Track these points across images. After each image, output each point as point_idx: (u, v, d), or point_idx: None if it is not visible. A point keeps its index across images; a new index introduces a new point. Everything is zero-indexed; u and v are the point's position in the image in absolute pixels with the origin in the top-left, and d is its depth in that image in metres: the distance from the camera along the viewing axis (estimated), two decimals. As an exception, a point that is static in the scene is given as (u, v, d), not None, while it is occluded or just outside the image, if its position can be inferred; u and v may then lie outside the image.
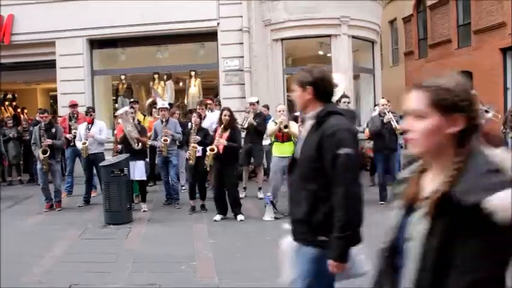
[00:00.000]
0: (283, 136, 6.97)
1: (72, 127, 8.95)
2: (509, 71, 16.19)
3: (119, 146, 7.91)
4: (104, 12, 11.27)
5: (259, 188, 8.48)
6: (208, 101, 9.70)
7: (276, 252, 5.20)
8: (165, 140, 7.80)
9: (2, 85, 14.05)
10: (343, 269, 2.28)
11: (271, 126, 7.13)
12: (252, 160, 8.89)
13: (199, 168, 7.18)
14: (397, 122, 7.53)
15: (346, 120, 2.44)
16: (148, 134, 8.58)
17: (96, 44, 12.09)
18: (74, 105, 9.42)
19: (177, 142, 8.13)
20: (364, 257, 2.37)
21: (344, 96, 7.93)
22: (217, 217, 6.83)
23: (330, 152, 2.29)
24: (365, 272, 2.33)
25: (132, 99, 10.42)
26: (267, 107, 9.59)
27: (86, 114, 8.51)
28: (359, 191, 2.31)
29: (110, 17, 11.27)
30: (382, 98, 8.51)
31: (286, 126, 6.92)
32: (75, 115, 9.26)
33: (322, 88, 2.45)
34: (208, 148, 6.93)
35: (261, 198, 8.05)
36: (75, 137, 8.68)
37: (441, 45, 19.55)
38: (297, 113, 8.99)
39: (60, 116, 10.54)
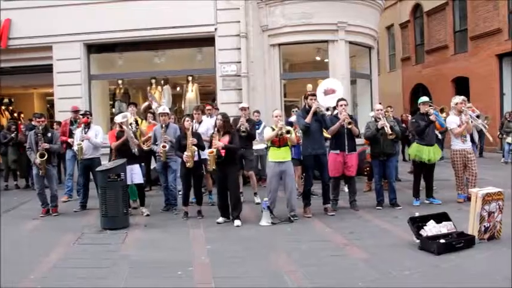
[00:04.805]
0: (279, 141, 6.92)
1: (73, 132, 8.88)
2: (505, 76, 16.29)
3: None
4: (101, 17, 11.29)
5: (255, 193, 8.45)
6: (208, 107, 9.67)
7: (273, 258, 5.18)
8: (164, 147, 7.74)
9: (-1, 89, 14.05)
10: None
11: (268, 132, 7.08)
12: (245, 165, 8.76)
13: (195, 172, 7.16)
14: (392, 127, 7.51)
15: None
16: (143, 138, 8.54)
17: (93, 48, 12.10)
18: (76, 111, 9.44)
19: None
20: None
21: (341, 99, 7.65)
22: (221, 219, 6.89)
23: None
24: None
25: (130, 102, 10.44)
26: (257, 112, 9.58)
27: (83, 116, 8.50)
28: None
29: (107, 22, 11.29)
30: (379, 103, 8.51)
31: (288, 132, 6.78)
32: (77, 120, 9.23)
33: None
34: (207, 152, 6.95)
35: (257, 203, 8.03)
36: None
37: (438, 51, 19.65)
38: (291, 119, 8.99)
39: (59, 122, 10.48)
